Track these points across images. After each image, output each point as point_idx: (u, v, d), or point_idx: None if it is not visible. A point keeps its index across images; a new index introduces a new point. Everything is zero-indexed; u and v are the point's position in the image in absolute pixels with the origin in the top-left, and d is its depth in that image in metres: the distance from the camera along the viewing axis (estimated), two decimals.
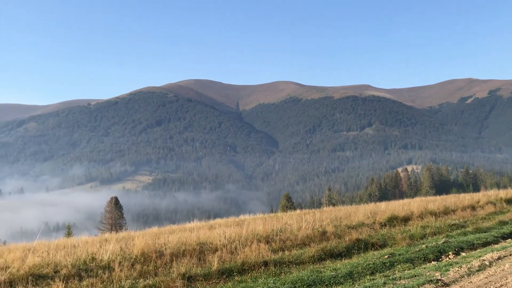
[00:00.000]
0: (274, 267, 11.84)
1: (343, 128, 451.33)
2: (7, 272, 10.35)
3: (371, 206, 28.27)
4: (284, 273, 11.35)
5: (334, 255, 13.68)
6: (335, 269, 11.41)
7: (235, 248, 13.58)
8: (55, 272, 10.53)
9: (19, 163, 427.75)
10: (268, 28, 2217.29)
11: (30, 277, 9.97)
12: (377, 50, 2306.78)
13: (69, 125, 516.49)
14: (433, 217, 21.44)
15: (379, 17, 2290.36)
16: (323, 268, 11.80)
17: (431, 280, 9.80)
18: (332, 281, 10.31)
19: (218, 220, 27.69)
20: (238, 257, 12.45)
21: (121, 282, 10.02)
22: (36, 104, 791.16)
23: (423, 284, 9.57)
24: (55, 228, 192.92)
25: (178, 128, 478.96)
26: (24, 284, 9.48)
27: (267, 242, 14.55)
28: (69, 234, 58.53)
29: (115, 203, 70.70)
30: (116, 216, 68.78)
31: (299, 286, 9.88)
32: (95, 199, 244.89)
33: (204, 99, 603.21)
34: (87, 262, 11.62)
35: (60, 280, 9.86)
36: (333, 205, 53.90)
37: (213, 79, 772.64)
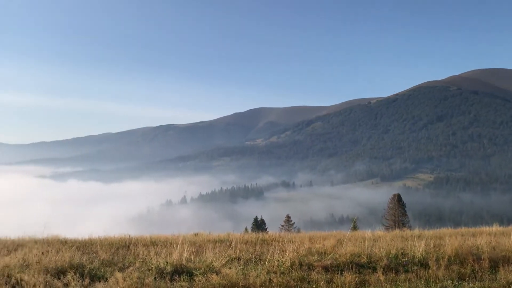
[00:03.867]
0: None
1: None
2: (329, 257, 11.34)
3: None
4: None
5: None
6: None
7: None
8: (373, 262, 10.97)
9: (308, 159, 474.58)
10: None
11: (351, 265, 10.65)
12: None
13: (351, 124, 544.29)
14: None
15: None
16: None
17: None
18: None
19: None
20: None
21: (442, 281, 9.65)
22: (322, 105, 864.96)
23: None
24: (340, 220, 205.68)
25: (462, 123, 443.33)
26: (348, 271, 10.16)
27: None
28: (355, 227, 61.15)
29: (398, 200, 70.18)
30: (398, 213, 68.31)
31: None
32: (376, 195, 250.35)
33: (493, 90, 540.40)
34: (399, 257, 11.68)
35: (380, 271, 10.21)
36: None
37: (506, 67, 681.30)
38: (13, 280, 7.94)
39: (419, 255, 11.56)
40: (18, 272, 8.50)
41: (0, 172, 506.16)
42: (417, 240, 13.71)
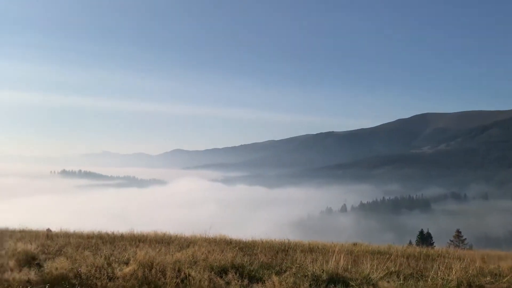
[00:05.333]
0: None
1: None
2: (505, 280, 10.10)
3: None
4: None
5: None
6: None
7: None
8: None
9: (483, 169, 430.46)
10: None
11: None
12: None
13: None
14: None
15: None
16: None
17: None
18: None
19: None
20: None
21: None
22: (500, 109, 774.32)
23: None
24: None
25: None
26: None
27: None
28: None
29: None
30: None
31: None
32: None
33: None
34: None
35: None
36: None
37: None
38: (182, 274, 8.79)
39: None
40: (187, 268, 9.38)
41: (180, 175, 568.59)
42: None
